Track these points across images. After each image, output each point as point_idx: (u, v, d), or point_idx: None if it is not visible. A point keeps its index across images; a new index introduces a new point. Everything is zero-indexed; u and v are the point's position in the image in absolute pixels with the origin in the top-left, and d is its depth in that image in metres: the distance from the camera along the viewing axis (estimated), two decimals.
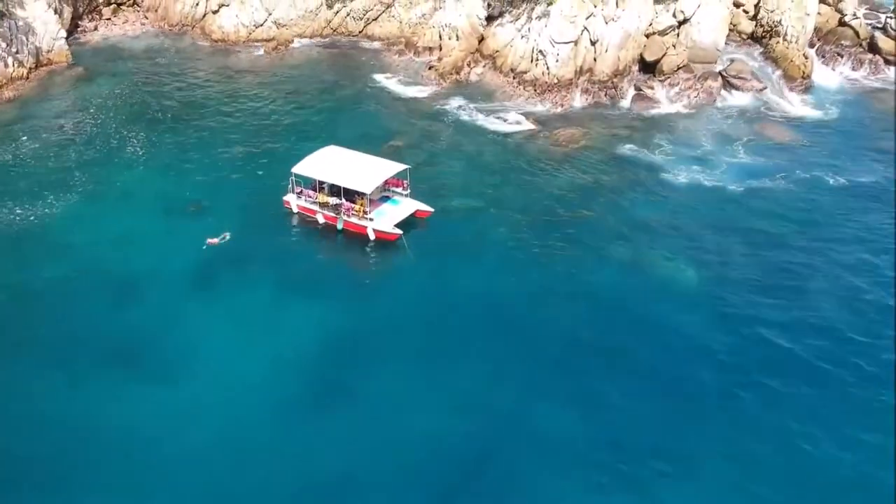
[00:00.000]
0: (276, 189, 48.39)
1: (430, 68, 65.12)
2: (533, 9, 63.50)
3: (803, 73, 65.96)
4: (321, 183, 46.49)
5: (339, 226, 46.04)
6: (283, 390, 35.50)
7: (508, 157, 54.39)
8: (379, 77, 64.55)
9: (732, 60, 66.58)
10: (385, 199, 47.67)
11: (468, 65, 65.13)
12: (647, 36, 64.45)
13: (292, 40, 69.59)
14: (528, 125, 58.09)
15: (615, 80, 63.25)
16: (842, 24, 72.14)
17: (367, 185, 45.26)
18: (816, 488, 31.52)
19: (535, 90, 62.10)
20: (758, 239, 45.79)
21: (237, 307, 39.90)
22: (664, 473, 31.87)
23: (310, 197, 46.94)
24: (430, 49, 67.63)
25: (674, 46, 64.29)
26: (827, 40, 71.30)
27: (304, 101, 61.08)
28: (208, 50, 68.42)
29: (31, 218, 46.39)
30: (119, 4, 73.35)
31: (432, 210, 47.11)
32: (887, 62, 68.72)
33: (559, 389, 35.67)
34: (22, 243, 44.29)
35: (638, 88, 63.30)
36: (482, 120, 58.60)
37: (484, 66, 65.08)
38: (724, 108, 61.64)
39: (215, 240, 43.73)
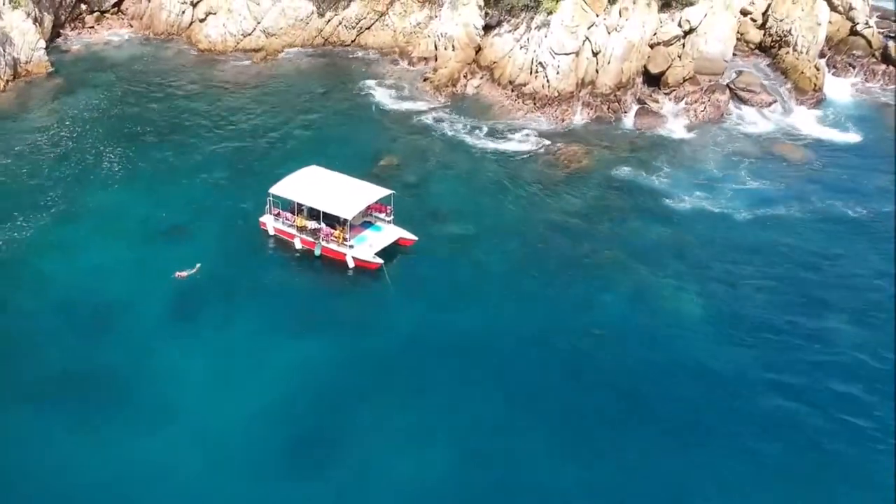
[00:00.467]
0: (257, 210, 45.66)
1: (424, 80, 62.37)
2: (532, 18, 60.65)
3: (814, 85, 63.09)
4: (300, 205, 43.78)
5: (317, 251, 43.35)
6: (259, 442, 32.73)
7: (505, 177, 51.53)
8: (371, 89, 61.78)
9: (740, 72, 63.82)
10: (367, 224, 44.93)
11: (465, 76, 62.33)
12: (652, 46, 61.65)
13: (282, 50, 66.83)
14: (527, 143, 55.27)
15: (618, 93, 60.43)
16: (853, 32, 69.08)
17: (348, 210, 42.52)
18: None
19: (535, 104, 59.32)
20: (771, 271, 42.86)
21: (210, 346, 37.13)
22: None
23: (287, 220, 44.23)
24: (426, 59, 64.92)
25: (679, 57, 61.47)
26: (838, 50, 68.41)
27: (291, 115, 58.28)
28: (194, 59, 65.65)
29: None
30: (103, 12, 70.51)
31: (416, 238, 44.31)
32: None
33: (564, 440, 33.05)
34: None
35: (642, 102, 60.54)
36: (478, 137, 55.77)
37: (481, 78, 62.30)
38: (732, 124, 58.75)
39: (184, 273, 40.94)
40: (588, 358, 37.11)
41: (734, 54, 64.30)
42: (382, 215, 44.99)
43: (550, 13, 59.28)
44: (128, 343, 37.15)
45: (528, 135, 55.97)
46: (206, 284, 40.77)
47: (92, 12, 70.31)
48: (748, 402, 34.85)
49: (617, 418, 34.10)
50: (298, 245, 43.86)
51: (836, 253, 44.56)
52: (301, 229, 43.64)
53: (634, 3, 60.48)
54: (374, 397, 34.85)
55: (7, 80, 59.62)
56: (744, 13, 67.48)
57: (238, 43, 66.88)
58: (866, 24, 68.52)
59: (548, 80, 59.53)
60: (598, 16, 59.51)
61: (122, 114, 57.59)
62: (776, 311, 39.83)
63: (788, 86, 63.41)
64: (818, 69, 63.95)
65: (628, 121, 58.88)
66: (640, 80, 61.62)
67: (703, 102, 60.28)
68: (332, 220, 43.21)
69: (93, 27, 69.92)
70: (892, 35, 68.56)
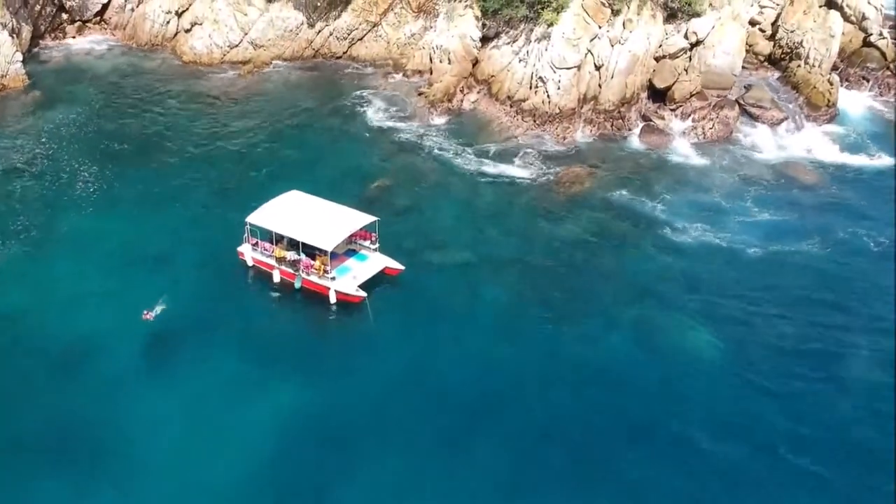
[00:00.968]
0: (236, 239, 42.74)
1: (419, 94, 59.49)
2: (532, 30, 57.70)
3: (828, 100, 60.02)
4: (279, 235, 40.94)
5: (297, 284, 40.55)
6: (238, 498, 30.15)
7: (503, 201, 48.57)
8: (363, 104, 58.83)
9: (750, 87, 60.77)
10: (351, 252, 42.10)
11: (461, 90, 59.44)
12: (657, 59, 58.73)
13: (270, 62, 63.93)
14: (526, 163, 52.27)
15: (622, 109, 57.47)
16: (867, 44, 66.01)
17: (328, 241, 39.63)
18: None
19: (535, 120, 56.40)
20: (787, 312, 39.71)
21: (182, 395, 34.34)
22: None
23: (266, 250, 41.40)
24: (420, 72, 62.08)
25: (686, 71, 58.50)
26: (851, 62, 65.39)
27: (278, 132, 55.37)
28: (178, 72, 62.73)
29: None
30: (84, 22, 67.72)
31: (402, 268, 41.48)
32: None
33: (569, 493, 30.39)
34: None
35: (647, 119, 57.59)
36: (475, 157, 52.68)
37: (478, 93, 59.42)
38: (741, 143, 55.62)
39: (151, 314, 38.02)
40: (593, 406, 34.24)
41: (743, 67, 61.35)
42: (367, 242, 42.16)
43: (551, 25, 56.34)
44: (97, 393, 34.38)
45: (527, 154, 52.94)
46: (180, 323, 37.93)
47: (73, 22, 67.58)
48: (772, 464, 32.01)
49: (624, 465, 31.57)
50: (277, 278, 41.05)
51: (859, 289, 41.40)
52: (280, 260, 40.85)
53: (639, 14, 57.54)
54: (351, 452, 32.06)
55: None
56: (752, 23, 64.47)
57: (224, 55, 64.00)
58: (880, 34, 65.53)
59: (548, 96, 56.63)
60: (600, 28, 56.60)
61: (100, 130, 54.92)
62: (796, 357, 36.88)
63: (800, 101, 60.33)
64: (831, 83, 60.87)
65: (633, 139, 55.85)
66: (644, 95, 58.63)
67: (711, 119, 57.33)
68: (312, 251, 40.43)
69: (74, 37, 67.20)
70: None
